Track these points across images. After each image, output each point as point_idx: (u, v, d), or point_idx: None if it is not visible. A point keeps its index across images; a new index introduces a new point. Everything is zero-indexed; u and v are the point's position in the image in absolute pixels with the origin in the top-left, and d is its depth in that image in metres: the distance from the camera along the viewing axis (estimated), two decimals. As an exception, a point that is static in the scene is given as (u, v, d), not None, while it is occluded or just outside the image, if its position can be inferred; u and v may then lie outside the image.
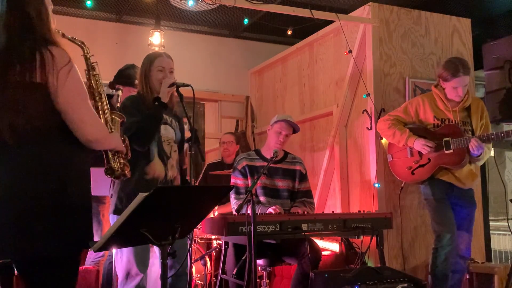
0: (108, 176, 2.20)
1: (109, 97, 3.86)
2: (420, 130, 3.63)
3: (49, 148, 1.91)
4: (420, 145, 3.53)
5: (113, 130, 2.18)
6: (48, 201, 1.87)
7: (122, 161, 2.21)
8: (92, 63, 2.18)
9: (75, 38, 2.15)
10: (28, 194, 1.85)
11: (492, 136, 3.34)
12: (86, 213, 2.00)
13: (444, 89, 3.57)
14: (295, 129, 3.63)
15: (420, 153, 3.60)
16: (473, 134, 3.53)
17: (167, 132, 2.86)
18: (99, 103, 2.15)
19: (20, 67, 1.86)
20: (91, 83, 2.16)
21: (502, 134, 3.30)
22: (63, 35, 2.07)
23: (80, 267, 3.52)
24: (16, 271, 2.31)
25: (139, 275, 2.68)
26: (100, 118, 2.12)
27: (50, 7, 2.03)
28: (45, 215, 1.86)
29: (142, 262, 2.70)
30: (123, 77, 3.71)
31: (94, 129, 1.96)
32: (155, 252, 2.91)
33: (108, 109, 2.19)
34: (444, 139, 3.49)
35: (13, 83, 1.86)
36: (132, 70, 3.65)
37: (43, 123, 1.89)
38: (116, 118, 2.26)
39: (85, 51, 2.18)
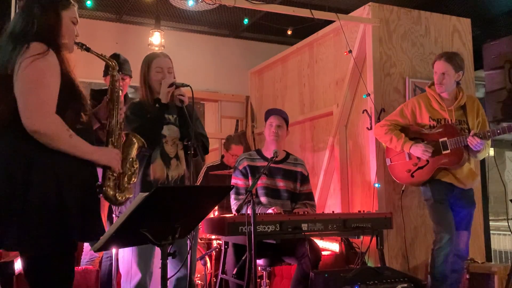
0: (99, 193, 2.09)
1: (103, 92, 3.83)
2: (416, 132, 3.64)
3: (6, 139, 1.92)
4: (420, 151, 3.50)
5: (115, 145, 2.17)
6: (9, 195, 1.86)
7: (120, 180, 2.15)
8: (116, 81, 2.23)
9: (104, 56, 2.21)
10: None
11: (488, 133, 3.34)
12: (52, 213, 1.89)
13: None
14: (285, 118, 3.63)
15: None
16: (469, 133, 3.53)
17: (171, 131, 2.83)
18: (110, 119, 2.19)
19: (2, 61, 1.92)
20: (112, 96, 2.21)
21: (498, 131, 3.29)
22: (88, 49, 2.14)
23: (80, 267, 3.54)
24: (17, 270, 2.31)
25: (138, 274, 2.68)
26: (110, 135, 2.15)
27: (69, 18, 2.08)
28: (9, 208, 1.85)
29: (143, 262, 2.69)
30: (127, 67, 3.70)
31: (37, 119, 1.86)
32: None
33: (120, 127, 2.20)
34: (441, 139, 3.50)
35: None
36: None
37: (3, 116, 1.91)
38: (135, 140, 2.27)
39: (113, 67, 2.24)
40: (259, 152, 3.68)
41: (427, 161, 3.55)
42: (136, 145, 2.29)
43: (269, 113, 3.66)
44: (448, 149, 3.47)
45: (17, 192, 1.85)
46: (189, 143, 2.70)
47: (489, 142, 3.58)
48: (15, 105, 1.88)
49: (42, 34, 1.98)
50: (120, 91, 2.27)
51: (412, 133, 3.64)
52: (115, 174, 2.12)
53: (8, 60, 1.90)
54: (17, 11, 2.18)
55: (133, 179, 2.22)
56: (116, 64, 2.25)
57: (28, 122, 1.86)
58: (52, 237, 1.88)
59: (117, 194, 2.13)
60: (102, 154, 2.07)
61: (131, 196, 2.20)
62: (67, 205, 1.92)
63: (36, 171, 1.88)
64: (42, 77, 1.90)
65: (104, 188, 2.09)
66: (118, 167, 2.13)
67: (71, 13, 2.09)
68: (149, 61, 2.88)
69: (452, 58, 3.51)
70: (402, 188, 4.01)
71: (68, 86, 1.98)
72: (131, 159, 2.23)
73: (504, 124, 3.30)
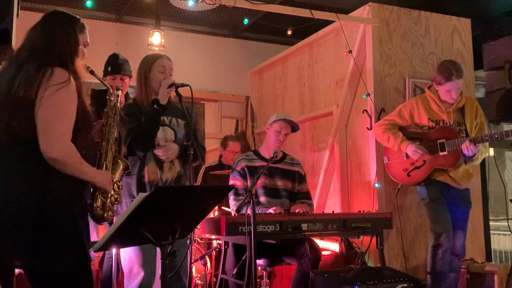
0: (88, 212, 2.17)
1: (103, 92, 3.83)
2: (414, 132, 3.65)
3: (20, 163, 1.94)
4: (411, 150, 3.55)
5: (107, 168, 2.24)
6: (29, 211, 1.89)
7: (106, 201, 2.20)
8: (114, 106, 2.32)
9: (104, 80, 2.31)
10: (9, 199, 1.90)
11: (486, 138, 3.34)
12: (67, 229, 1.96)
13: (438, 91, 3.58)
14: (294, 128, 3.63)
15: None
16: (467, 134, 3.54)
17: (165, 133, 2.83)
18: (104, 142, 2.26)
19: (22, 82, 1.94)
20: (107, 121, 2.29)
21: (496, 136, 3.29)
22: (92, 72, 2.21)
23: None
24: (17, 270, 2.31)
25: (140, 273, 2.67)
26: (103, 158, 2.22)
27: (83, 42, 2.15)
28: (28, 225, 1.87)
29: (145, 261, 2.68)
30: (127, 67, 3.71)
31: (56, 148, 1.92)
32: None
33: (112, 151, 2.26)
34: (439, 141, 3.51)
35: (14, 95, 1.94)
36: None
37: (22, 136, 1.93)
38: (120, 163, 2.32)
39: (110, 93, 2.33)
40: (256, 152, 3.68)
41: (424, 161, 3.57)
42: (121, 167, 2.34)
43: (280, 119, 3.60)
44: (446, 151, 3.48)
45: (31, 214, 1.89)
46: (189, 143, 2.69)
47: (487, 144, 3.58)
48: (34, 130, 1.92)
49: (64, 58, 2.03)
50: (118, 104, 2.36)
51: (410, 133, 3.66)
52: (106, 196, 2.19)
53: (31, 83, 1.93)
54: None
55: (117, 201, 2.28)
56: (114, 90, 2.33)
57: (47, 149, 1.91)
58: (70, 255, 1.94)
59: (104, 214, 2.20)
60: (102, 178, 2.15)
61: (114, 215, 2.29)
62: (79, 224, 1.99)
63: (51, 196, 1.93)
64: (64, 107, 1.96)
65: (93, 209, 2.16)
66: (111, 189, 2.22)
67: (85, 37, 2.17)
68: (152, 60, 2.86)
69: (461, 71, 3.52)
70: (398, 187, 4.01)
71: (81, 114, 2.04)
72: (116, 182, 2.29)
73: (505, 130, 3.29)
